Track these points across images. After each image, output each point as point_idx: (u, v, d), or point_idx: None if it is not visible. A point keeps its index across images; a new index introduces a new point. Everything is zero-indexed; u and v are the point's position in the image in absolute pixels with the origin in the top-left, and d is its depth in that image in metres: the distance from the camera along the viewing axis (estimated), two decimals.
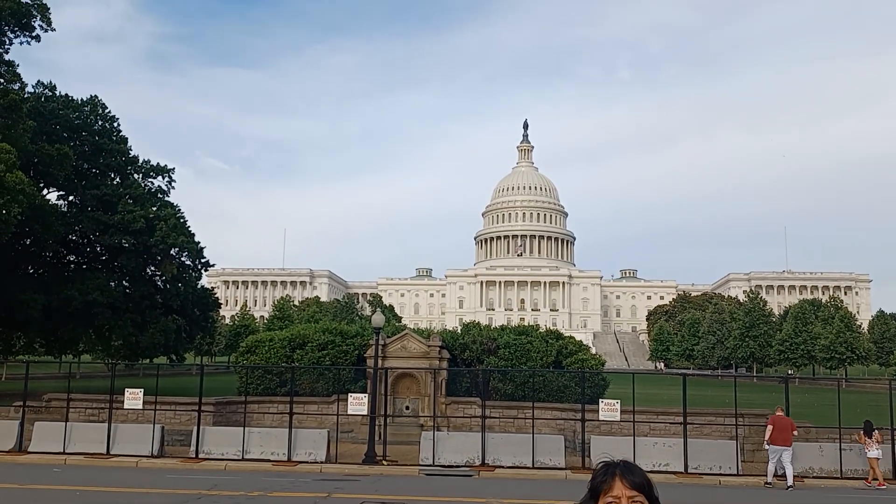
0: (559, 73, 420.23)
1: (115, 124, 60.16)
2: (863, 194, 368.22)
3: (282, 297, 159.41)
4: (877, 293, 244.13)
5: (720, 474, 25.61)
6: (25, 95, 51.57)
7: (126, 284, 57.35)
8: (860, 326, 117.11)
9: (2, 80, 48.34)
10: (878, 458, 24.49)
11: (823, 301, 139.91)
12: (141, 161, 61.69)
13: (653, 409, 33.10)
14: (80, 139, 57.05)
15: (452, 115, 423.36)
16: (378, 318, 29.37)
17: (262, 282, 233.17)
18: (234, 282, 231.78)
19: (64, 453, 26.89)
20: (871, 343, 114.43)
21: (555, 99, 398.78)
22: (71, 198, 57.60)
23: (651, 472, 26.03)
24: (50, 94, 57.14)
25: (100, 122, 59.17)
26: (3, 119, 46.68)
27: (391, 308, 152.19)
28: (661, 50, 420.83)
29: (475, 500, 18.41)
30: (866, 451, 24.64)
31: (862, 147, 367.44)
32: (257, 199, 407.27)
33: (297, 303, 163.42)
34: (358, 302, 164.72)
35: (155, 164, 62.34)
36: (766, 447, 24.72)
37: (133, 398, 28.48)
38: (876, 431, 24.83)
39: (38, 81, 57.44)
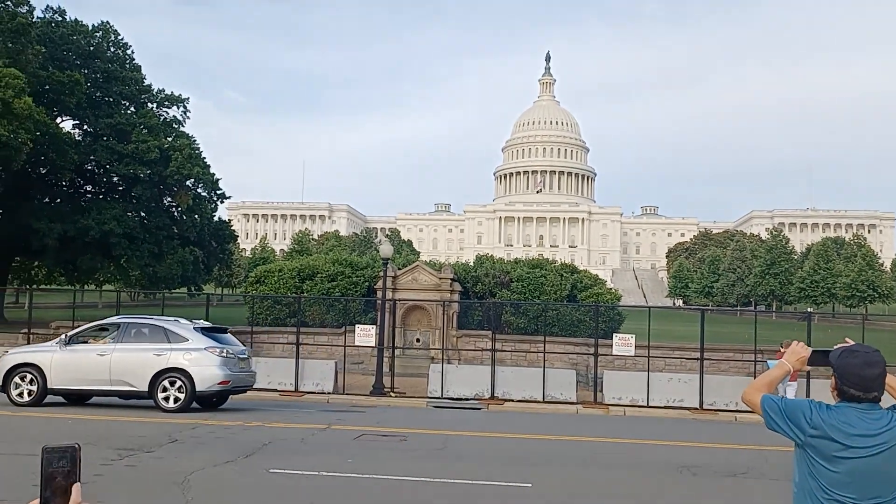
0: (584, 4, 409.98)
1: (129, 52, 59.03)
2: (890, 131, 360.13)
3: (300, 231, 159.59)
4: None
5: (736, 410, 24.99)
6: (34, 20, 50.49)
7: (143, 215, 57.03)
8: (883, 265, 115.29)
9: (9, 3, 47.18)
10: None
11: (846, 239, 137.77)
12: (155, 90, 60.72)
13: (668, 344, 32.48)
14: (92, 66, 56.01)
15: (474, 48, 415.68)
16: (386, 249, 28.76)
17: (282, 215, 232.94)
18: (253, 215, 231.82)
19: None
20: (894, 281, 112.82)
21: (579, 32, 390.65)
22: (85, 126, 56.91)
23: (665, 407, 25.61)
24: (60, 19, 55.92)
25: (112, 49, 58.04)
26: (10, 44, 45.76)
27: (409, 243, 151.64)
28: None
29: (478, 434, 17.95)
30: None
31: (891, 83, 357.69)
32: (278, 132, 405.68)
33: (315, 236, 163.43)
34: (376, 236, 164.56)
35: (169, 94, 61.33)
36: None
37: None
38: None
39: (48, 6, 56.18)
